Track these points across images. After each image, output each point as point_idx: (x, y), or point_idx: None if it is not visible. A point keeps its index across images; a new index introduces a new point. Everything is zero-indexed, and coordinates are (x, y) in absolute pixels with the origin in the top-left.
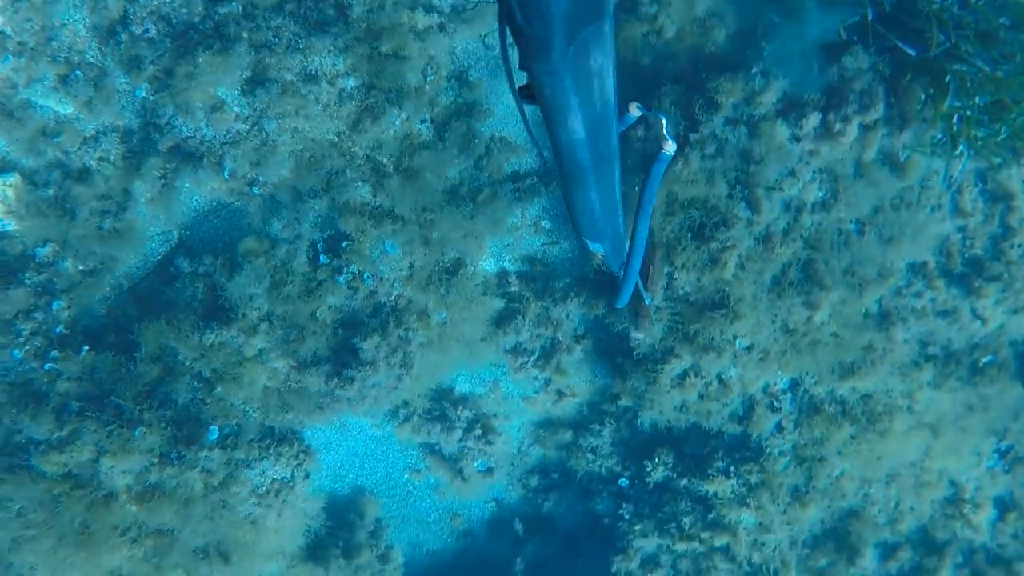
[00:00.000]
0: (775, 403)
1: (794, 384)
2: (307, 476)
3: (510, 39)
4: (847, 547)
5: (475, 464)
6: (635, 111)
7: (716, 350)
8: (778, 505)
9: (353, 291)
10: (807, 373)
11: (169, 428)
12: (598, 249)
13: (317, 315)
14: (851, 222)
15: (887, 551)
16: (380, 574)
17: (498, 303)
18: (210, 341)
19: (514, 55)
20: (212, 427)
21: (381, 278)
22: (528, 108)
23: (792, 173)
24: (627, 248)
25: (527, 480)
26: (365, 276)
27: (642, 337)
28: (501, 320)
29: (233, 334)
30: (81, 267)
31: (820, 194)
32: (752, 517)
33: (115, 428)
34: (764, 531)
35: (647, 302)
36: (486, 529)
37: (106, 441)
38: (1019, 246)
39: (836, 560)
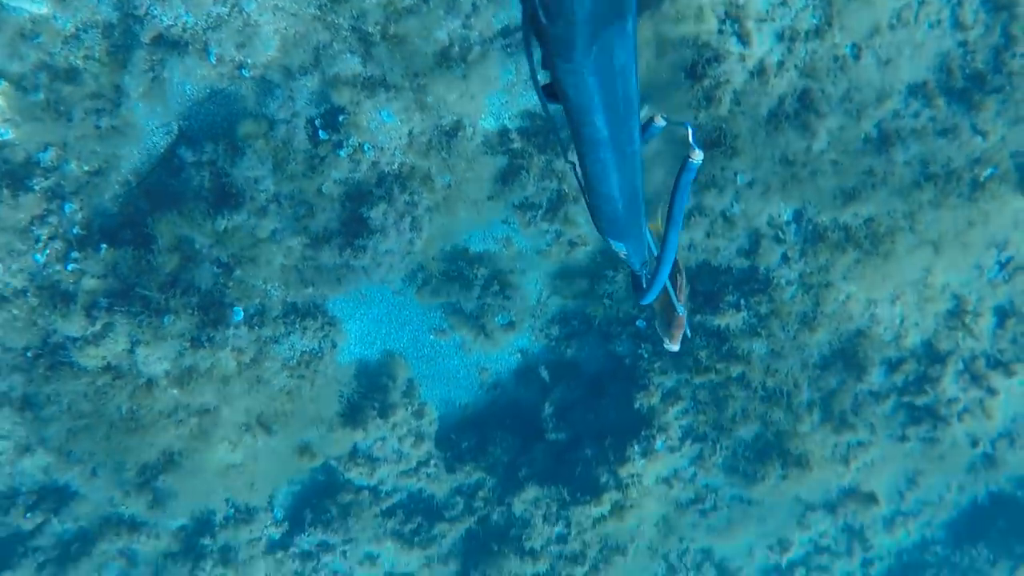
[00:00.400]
0: (780, 235)
1: (797, 215)
2: (335, 346)
3: (533, 38)
4: (855, 365)
5: (496, 319)
6: (660, 121)
7: (718, 187)
8: (788, 332)
9: (356, 163)
10: (809, 203)
11: (196, 313)
12: (620, 248)
13: (323, 190)
14: (847, 46)
15: (893, 366)
16: (416, 429)
17: (501, 160)
18: (223, 226)
19: (538, 54)
20: (236, 308)
21: (382, 148)
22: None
23: (783, 2)
24: (650, 246)
25: (549, 330)
26: (366, 147)
27: (676, 348)
28: (506, 177)
29: (244, 217)
30: (86, 168)
31: (814, 21)
32: (764, 345)
33: (145, 318)
34: (776, 357)
35: (680, 312)
36: (514, 379)
37: (138, 331)
38: (1021, 55)
39: (845, 378)
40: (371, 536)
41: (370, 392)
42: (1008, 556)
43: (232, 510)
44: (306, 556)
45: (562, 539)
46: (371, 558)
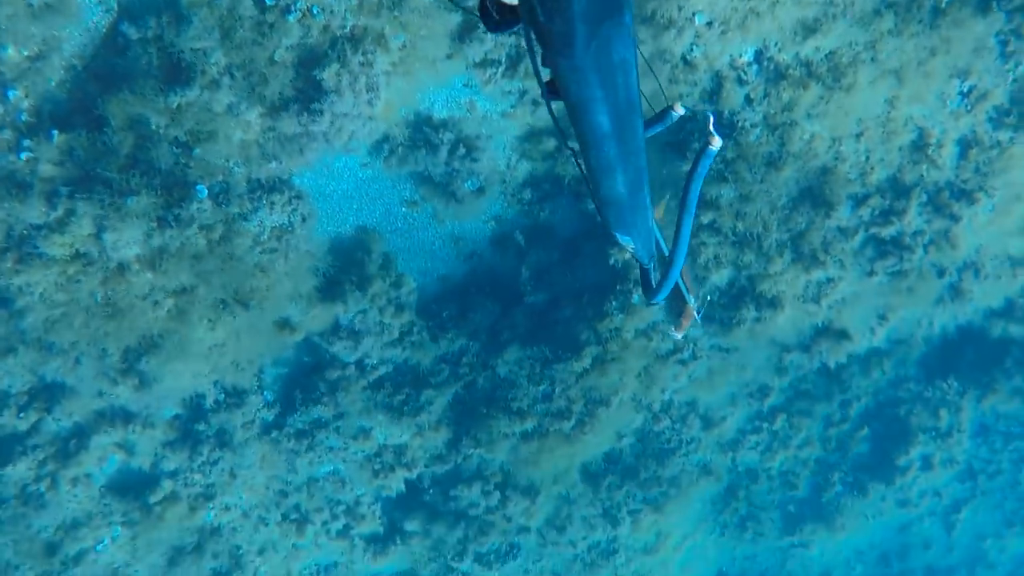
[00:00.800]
0: (742, 75)
1: (758, 54)
2: (304, 220)
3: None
4: (823, 203)
5: (465, 185)
6: (680, 110)
7: (676, 29)
8: (755, 175)
9: (306, 28)
10: (770, 40)
11: (160, 194)
12: (628, 242)
13: (275, 58)
14: None
15: (859, 201)
16: (396, 300)
17: (456, 17)
18: (176, 103)
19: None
20: (200, 186)
21: (331, 10)
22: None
23: None
24: (657, 240)
25: (520, 194)
26: (314, 10)
27: (680, 336)
28: (463, 34)
29: (197, 92)
30: (25, 52)
31: None
32: (732, 190)
33: (107, 198)
34: (745, 201)
35: (690, 303)
36: (489, 247)
37: (102, 214)
38: None
39: (813, 217)
40: (361, 409)
41: (346, 267)
42: (976, 386)
43: (222, 394)
44: (300, 435)
45: (547, 397)
46: (364, 432)
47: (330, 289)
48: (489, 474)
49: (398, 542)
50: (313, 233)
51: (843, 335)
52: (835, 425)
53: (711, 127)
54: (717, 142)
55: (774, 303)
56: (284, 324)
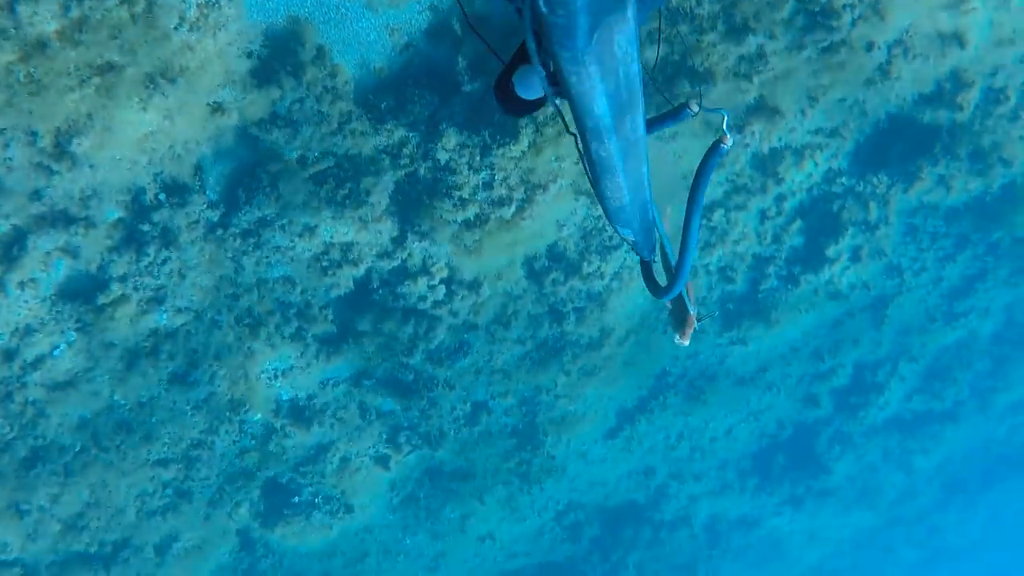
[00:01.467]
0: None
1: None
2: None
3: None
4: None
5: None
6: (694, 108)
7: None
8: None
9: None
10: None
11: None
12: (628, 235)
13: None
14: None
15: None
16: (332, 89)
17: None
18: None
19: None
20: None
21: None
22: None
23: None
24: (660, 234)
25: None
26: None
27: (687, 344)
28: None
29: None
30: None
31: None
32: None
33: None
34: None
35: (691, 312)
36: (425, 38)
37: None
38: None
39: None
40: (305, 204)
41: (279, 55)
42: (903, 178)
43: (163, 193)
44: (247, 234)
45: (488, 185)
46: (310, 229)
47: (264, 75)
48: (435, 269)
49: (350, 342)
50: (243, 15)
51: (775, 112)
52: (770, 219)
53: (724, 126)
54: (729, 141)
55: (706, 77)
56: (218, 107)
